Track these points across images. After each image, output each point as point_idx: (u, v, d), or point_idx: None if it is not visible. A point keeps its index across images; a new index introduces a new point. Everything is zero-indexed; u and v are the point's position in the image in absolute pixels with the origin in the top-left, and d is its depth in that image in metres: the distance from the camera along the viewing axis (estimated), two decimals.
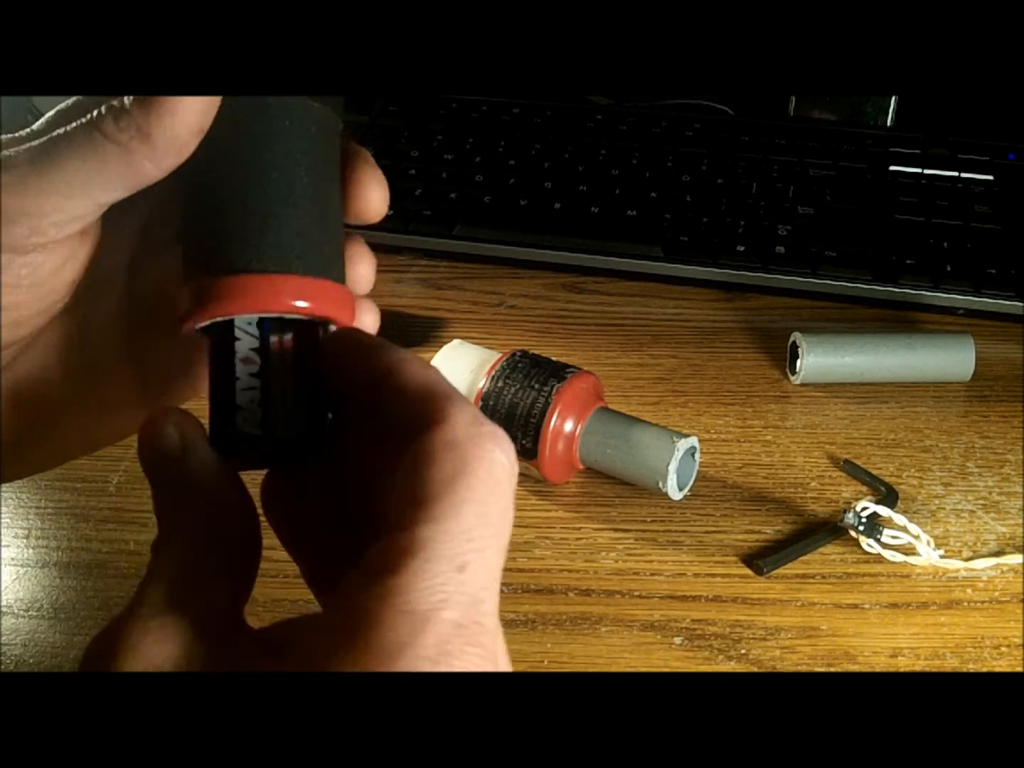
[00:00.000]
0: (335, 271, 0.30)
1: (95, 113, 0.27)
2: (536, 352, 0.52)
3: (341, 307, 0.29)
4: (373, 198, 0.33)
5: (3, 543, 0.49)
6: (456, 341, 0.54)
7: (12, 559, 0.49)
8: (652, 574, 0.47)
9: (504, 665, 0.24)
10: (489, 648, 0.23)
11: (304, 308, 0.28)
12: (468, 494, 0.24)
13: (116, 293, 0.32)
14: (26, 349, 0.31)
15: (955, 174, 0.72)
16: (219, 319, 0.28)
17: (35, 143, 0.28)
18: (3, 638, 0.45)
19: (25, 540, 0.50)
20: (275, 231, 0.28)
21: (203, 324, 0.28)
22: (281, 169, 0.29)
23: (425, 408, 0.25)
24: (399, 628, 0.22)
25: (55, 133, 0.28)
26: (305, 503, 0.30)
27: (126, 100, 0.27)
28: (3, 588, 0.47)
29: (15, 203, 0.27)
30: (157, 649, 0.24)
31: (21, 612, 0.46)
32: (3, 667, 0.44)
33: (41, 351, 0.31)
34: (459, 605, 0.23)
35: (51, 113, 0.30)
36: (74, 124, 0.28)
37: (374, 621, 0.22)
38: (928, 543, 0.47)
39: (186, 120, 0.27)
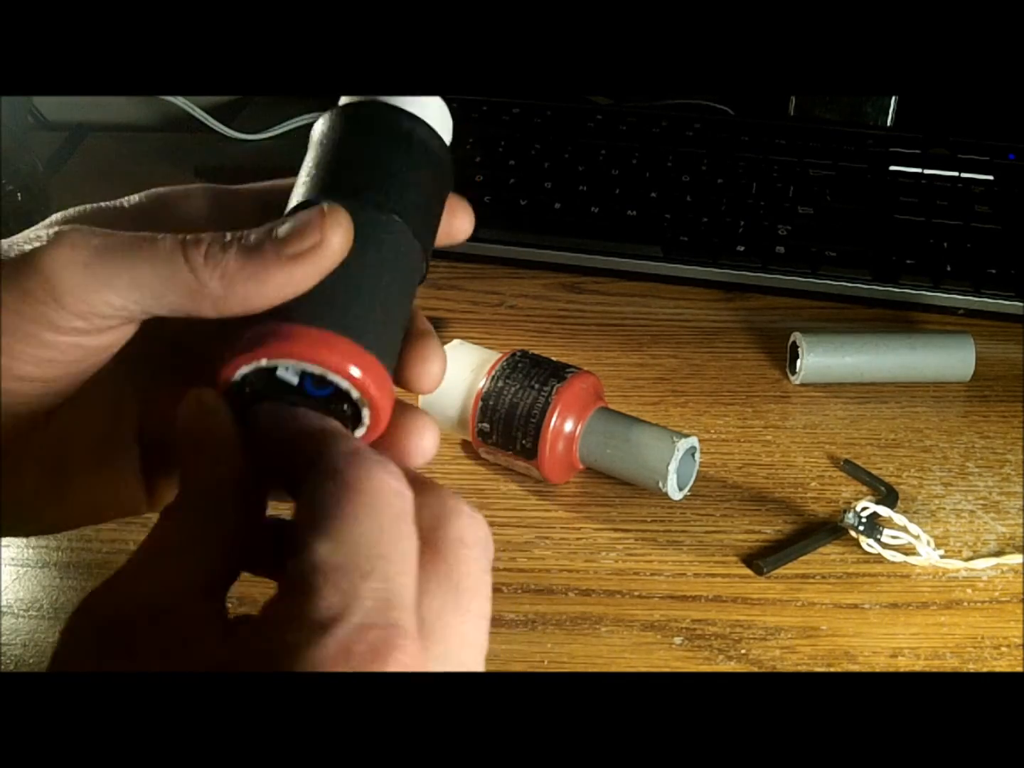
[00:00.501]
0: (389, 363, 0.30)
1: (189, 237, 0.28)
2: (536, 352, 0.52)
3: (383, 394, 0.29)
4: (429, 374, 0.32)
5: (3, 543, 0.49)
6: (456, 341, 0.54)
7: (12, 559, 0.49)
8: (652, 574, 0.47)
9: (437, 666, 0.24)
10: (408, 650, 0.23)
11: (352, 377, 0.28)
12: (357, 509, 0.24)
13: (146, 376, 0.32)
14: (58, 412, 0.31)
15: (955, 174, 0.72)
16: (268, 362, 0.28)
17: (122, 235, 0.28)
18: (3, 638, 0.45)
19: (25, 540, 0.50)
20: (346, 308, 0.28)
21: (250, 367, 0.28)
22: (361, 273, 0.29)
23: (308, 447, 0.26)
24: (301, 635, 0.22)
25: (143, 234, 0.28)
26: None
27: (229, 241, 0.28)
28: (3, 588, 0.47)
29: (69, 284, 0.27)
30: (123, 604, 0.24)
31: (21, 612, 0.46)
32: (3, 667, 0.44)
33: (72, 415, 0.31)
34: (365, 609, 0.23)
35: (150, 193, 0.30)
36: (165, 236, 0.28)
37: (280, 632, 0.23)
38: (928, 543, 0.47)
39: (270, 295, 0.28)
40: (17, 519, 0.32)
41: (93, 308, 0.28)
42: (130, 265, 0.27)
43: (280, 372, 0.28)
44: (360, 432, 0.29)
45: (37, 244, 0.28)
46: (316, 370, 0.27)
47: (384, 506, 0.25)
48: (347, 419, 0.28)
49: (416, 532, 0.25)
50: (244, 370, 0.28)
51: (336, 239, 0.28)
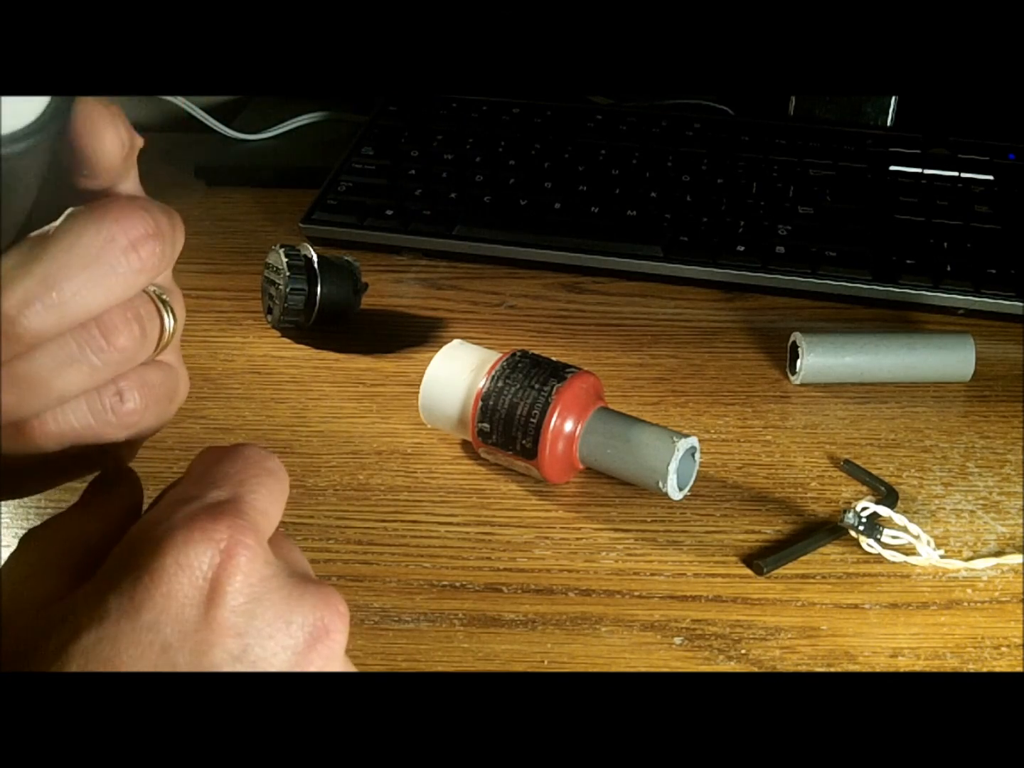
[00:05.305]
0: None
1: None
2: (536, 352, 0.52)
3: None
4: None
5: (3, 543, 0.49)
6: (456, 341, 0.54)
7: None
8: (652, 574, 0.47)
9: (277, 563, 0.28)
10: (247, 520, 0.27)
11: None
12: (224, 453, 0.30)
13: None
14: None
15: (955, 174, 0.72)
16: None
17: None
18: None
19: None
20: None
21: None
22: None
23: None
24: (153, 519, 0.27)
25: None
26: None
27: None
28: None
29: None
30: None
31: None
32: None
33: None
34: (210, 501, 0.27)
35: None
36: None
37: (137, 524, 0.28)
38: (928, 543, 0.47)
39: None
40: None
41: None
42: None
43: None
44: None
45: None
46: None
47: (247, 456, 0.30)
48: None
49: (285, 486, 0.30)
50: None
51: None
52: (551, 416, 0.49)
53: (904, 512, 0.48)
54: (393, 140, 0.77)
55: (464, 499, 0.51)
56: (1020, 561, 0.47)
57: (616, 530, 0.49)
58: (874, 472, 0.52)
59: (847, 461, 0.53)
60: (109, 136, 0.29)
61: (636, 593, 0.46)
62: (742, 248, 0.66)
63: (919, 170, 0.72)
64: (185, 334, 0.34)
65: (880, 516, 0.48)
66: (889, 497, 0.51)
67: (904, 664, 0.43)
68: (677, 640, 0.44)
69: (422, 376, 0.52)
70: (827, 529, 0.49)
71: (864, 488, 0.52)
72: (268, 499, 0.29)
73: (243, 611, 0.26)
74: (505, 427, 0.49)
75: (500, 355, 0.51)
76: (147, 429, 0.32)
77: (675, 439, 0.48)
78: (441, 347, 0.53)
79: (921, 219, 0.68)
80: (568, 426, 0.49)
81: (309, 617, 0.27)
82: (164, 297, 0.31)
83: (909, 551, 0.47)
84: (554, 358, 0.52)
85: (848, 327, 0.64)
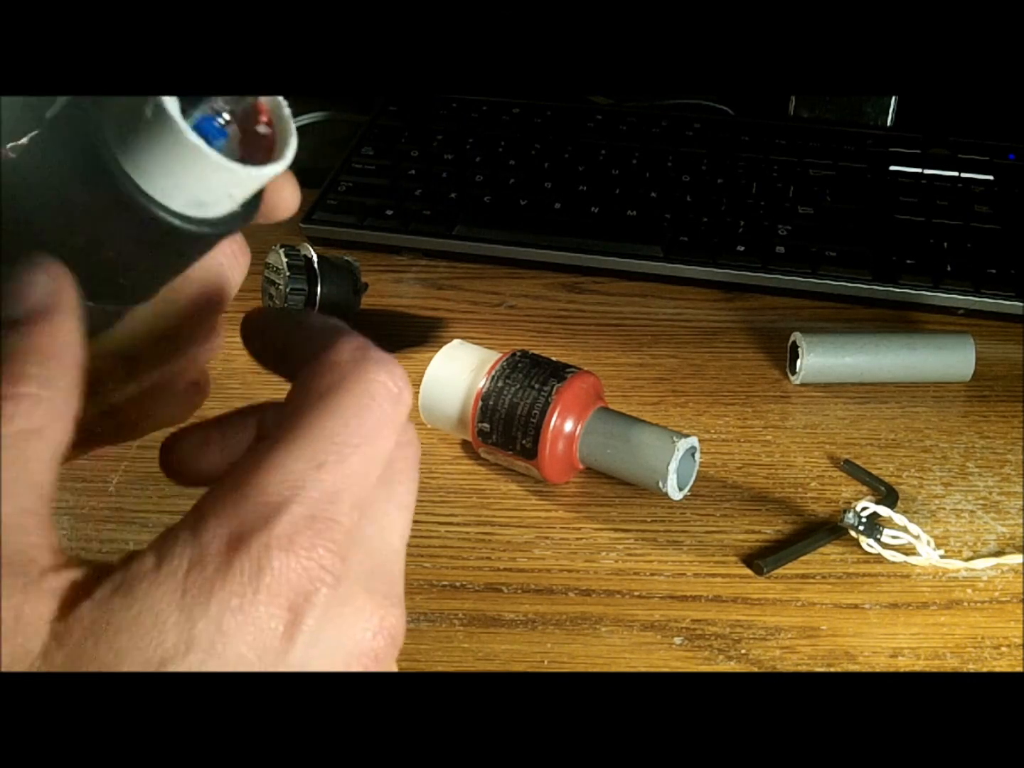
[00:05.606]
0: None
1: None
2: (536, 352, 0.52)
3: None
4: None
5: None
6: (456, 341, 0.54)
7: None
8: (652, 574, 0.47)
9: (358, 552, 0.25)
10: (339, 543, 0.24)
11: None
12: (338, 405, 0.25)
13: None
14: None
15: (955, 174, 0.72)
16: None
17: None
18: None
19: None
20: None
21: None
22: None
23: (320, 340, 0.26)
24: (250, 515, 0.23)
25: None
26: None
27: None
28: None
29: None
30: None
31: None
32: None
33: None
34: (311, 500, 0.23)
35: None
36: None
37: (228, 510, 0.23)
38: (928, 543, 0.47)
39: None
40: None
41: None
42: None
43: None
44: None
45: None
46: None
47: (370, 406, 0.25)
48: None
49: (395, 436, 0.26)
50: None
51: None
52: (551, 416, 0.49)
53: (904, 512, 0.48)
54: (393, 140, 0.77)
55: (464, 499, 0.51)
56: (1020, 561, 0.47)
57: (616, 530, 0.49)
58: (874, 472, 0.52)
59: (847, 461, 0.53)
60: (291, 193, 0.30)
61: (636, 593, 0.46)
62: (742, 248, 0.66)
63: (919, 170, 0.72)
64: None
65: (880, 516, 0.48)
66: (889, 497, 0.51)
67: (904, 664, 0.43)
68: (677, 640, 0.44)
69: (422, 376, 0.52)
70: (827, 529, 0.49)
71: (864, 488, 0.52)
72: (372, 471, 0.25)
73: (310, 641, 0.24)
74: (505, 427, 0.50)
75: (500, 355, 0.51)
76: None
77: (675, 439, 0.48)
78: (441, 347, 0.53)
79: (921, 219, 0.68)
80: (568, 426, 0.49)
81: (364, 645, 0.25)
82: None
83: (909, 551, 0.47)
84: (554, 358, 0.52)
85: (848, 327, 0.64)
